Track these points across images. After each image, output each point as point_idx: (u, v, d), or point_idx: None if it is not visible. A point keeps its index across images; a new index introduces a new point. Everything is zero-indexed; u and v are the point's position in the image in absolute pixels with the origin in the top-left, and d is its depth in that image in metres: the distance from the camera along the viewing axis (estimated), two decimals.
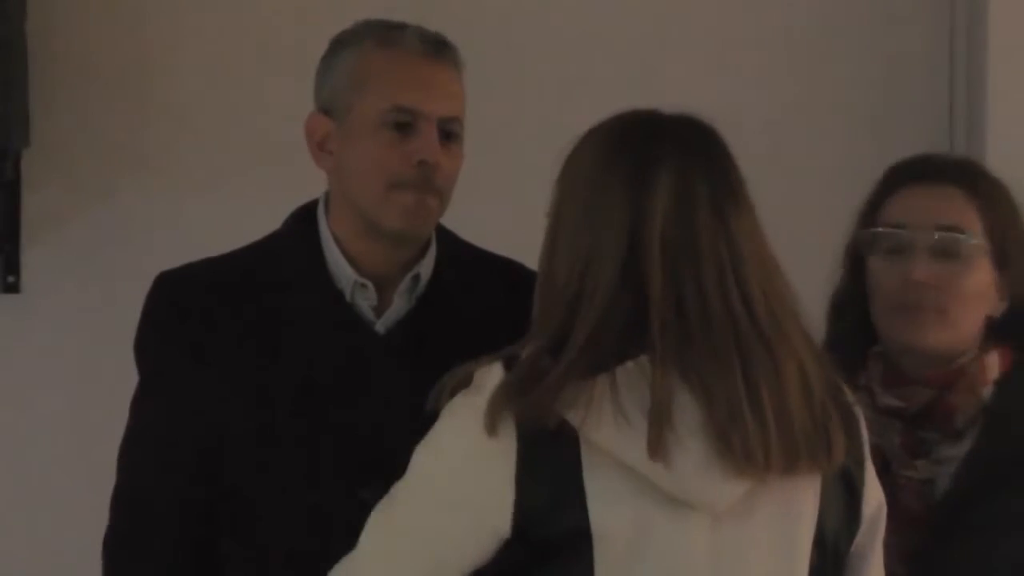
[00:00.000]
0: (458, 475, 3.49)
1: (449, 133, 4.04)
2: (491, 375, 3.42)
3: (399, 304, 4.05)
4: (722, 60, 6.38)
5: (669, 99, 4.31)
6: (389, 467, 3.70)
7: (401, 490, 3.55)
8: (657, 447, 3.34)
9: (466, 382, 3.47)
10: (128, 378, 4.20)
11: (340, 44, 4.17)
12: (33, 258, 6.05)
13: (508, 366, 3.42)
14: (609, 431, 3.36)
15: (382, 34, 4.13)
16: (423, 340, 4.05)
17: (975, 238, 4.14)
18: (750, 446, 3.40)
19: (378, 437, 3.97)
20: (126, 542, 4.19)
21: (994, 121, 6.20)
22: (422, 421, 3.61)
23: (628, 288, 3.45)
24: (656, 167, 3.51)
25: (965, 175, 4.30)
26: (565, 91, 5.94)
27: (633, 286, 3.45)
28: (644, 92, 4.92)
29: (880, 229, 4.24)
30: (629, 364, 3.39)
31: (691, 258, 3.48)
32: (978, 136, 6.22)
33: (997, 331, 4.38)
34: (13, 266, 6.03)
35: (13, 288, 6.03)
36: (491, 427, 3.38)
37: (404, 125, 3.99)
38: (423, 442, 3.57)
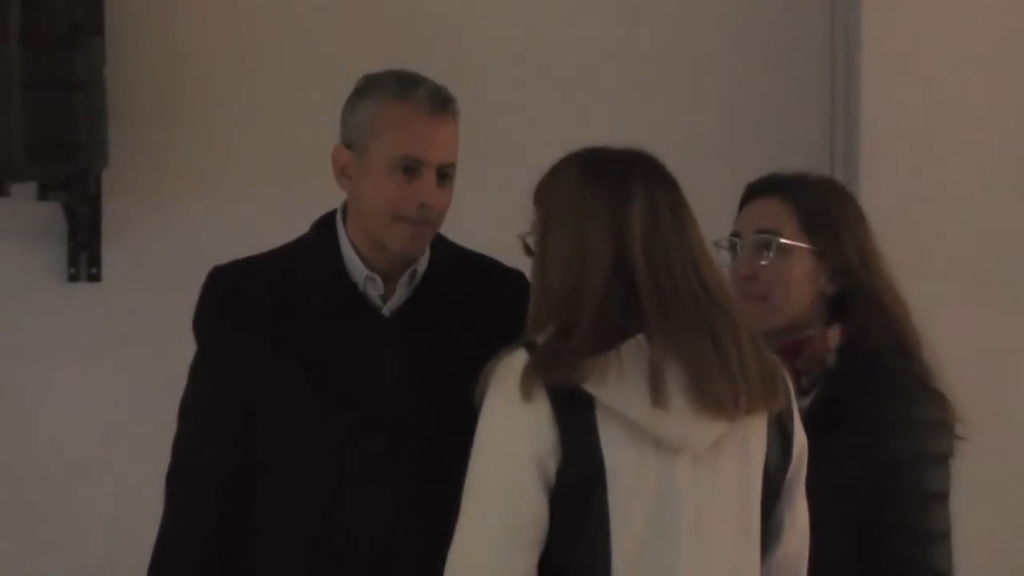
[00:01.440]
0: (516, 435, 3.73)
1: (445, 175, 4.25)
2: (516, 358, 3.68)
3: (400, 293, 4.26)
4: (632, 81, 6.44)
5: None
6: (394, 419, 4.22)
7: (474, 469, 3.79)
8: (657, 404, 3.67)
9: (494, 370, 3.74)
10: (190, 350, 4.43)
11: (364, 90, 4.35)
12: (110, 254, 6.21)
13: (529, 350, 3.71)
14: (617, 395, 3.69)
15: (398, 89, 4.29)
16: (419, 321, 4.29)
17: (787, 237, 4.39)
18: (721, 396, 3.72)
19: (385, 396, 4.20)
20: (181, 478, 4.41)
21: (866, 137, 6.23)
22: (420, 384, 4.17)
23: (619, 279, 3.75)
24: (631, 187, 3.84)
25: (790, 187, 4.51)
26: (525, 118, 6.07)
27: (623, 277, 3.75)
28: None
29: (720, 238, 4.49)
30: (631, 342, 3.70)
31: (662, 253, 3.80)
32: (853, 157, 6.27)
33: (839, 308, 4.55)
34: (95, 260, 6.21)
35: (95, 278, 6.24)
36: (527, 395, 3.66)
37: (410, 169, 4.20)
38: (478, 427, 3.79)
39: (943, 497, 4.43)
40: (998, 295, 5.92)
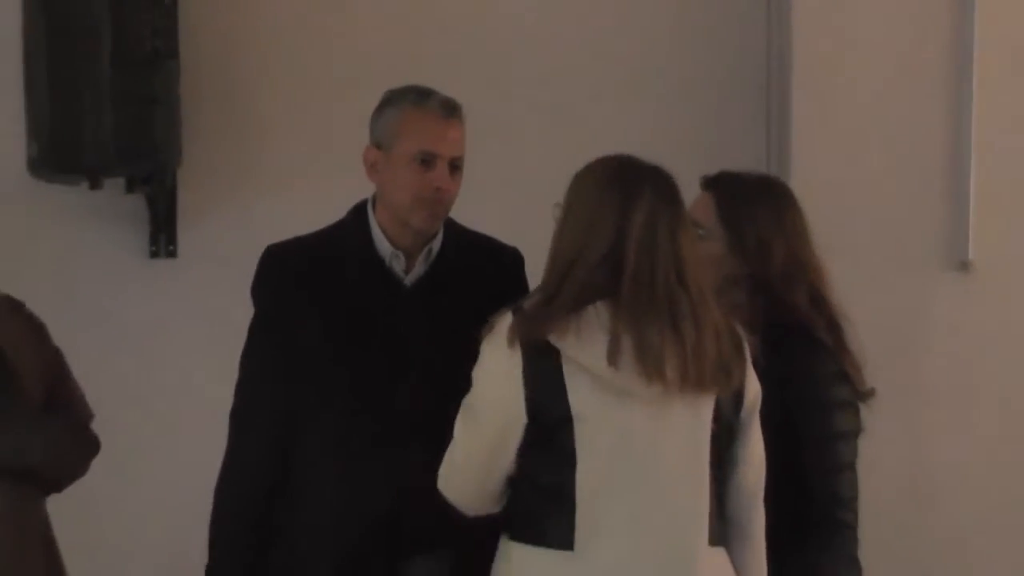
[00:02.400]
0: (496, 375, 3.88)
1: (455, 167, 4.34)
2: (504, 319, 3.84)
3: (419, 267, 4.36)
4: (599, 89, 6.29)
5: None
6: (415, 367, 4.28)
7: (471, 396, 3.95)
8: (613, 360, 3.76)
9: (491, 327, 3.88)
10: (250, 313, 4.52)
11: (388, 101, 4.43)
12: (184, 235, 6.23)
13: (515, 312, 3.84)
14: (577, 350, 3.80)
15: (415, 99, 4.40)
16: (435, 290, 4.38)
17: (705, 228, 4.39)
18: (661, 368, 3.80)
19: (407, 349, 4.28)
20: (240, 415, 4.50)
21: (797, 150, 6.07)
22: (440, 351, 4.21)
23: (607, 266, 3.85)
24: (638, 195, 3.91)
25: (719, 184, 4.54)
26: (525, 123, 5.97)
27: (611, 265, 3.85)
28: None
29: None
30: (590, 308, 3.80)
31: (652, 253, 3.88)
32: (785, 158, 6.17)
33: (763, 285, 4.52)
34: (172, 240, 6.24)
35: (172, 255, 6.24)
36: (511, 343, 3.81)
37: (427, 161, 4.29)
38: (475, 367, 3.95)
39: (850, 435, 4.45)
40: (905, 272, 5.88)
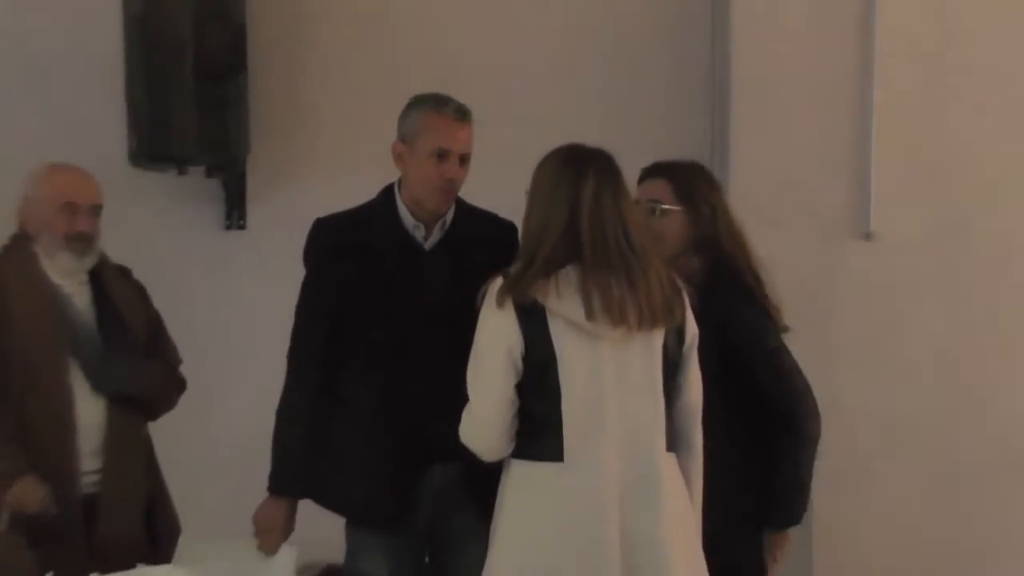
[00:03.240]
0: (495, 332, 3.95)
1: (463, 160, 4.40)
2: (496, 283, 3.92)
3: (435, 235, 4.45)
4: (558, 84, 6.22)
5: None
6: (432, 311, 4.33)
7: (475, 353, 3.99)
8: (588, 312, 3.89)
9: (486, 290, 3.95)
10: (303, 273, 4.53)
11: (413, 105, 4.48)
12: (252, 211, 6.26)
13: (504, 277, 3.93)
14: (559, 304, 3.92)
15: (434, 104, 4.45)
16: (447, 253, 4.45)
17: (667, 205, 4.40)
18: (624, 314, 3.91)
19: (426, 298, 4.34)
20: (295, 354, 4.54)
21: (736, 139, 5.98)
22: (452, 301, 4.24)
23: (568, 235, 3.94)
24: (585, 175, 3.99)
25: (668, 171, 4.50)
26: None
27: (571, 234, 3.94)
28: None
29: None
30: (564, 271, 3.91)
31: (601, 222, 3.95)
32: (726, 146, 6.03)
33: (706, 245, 4.51)
34: (242, 215, 6.28)
35: (242, 227, 6.27)
36: (501, 305, 3.90)
37: (442, 156, 4.35)
38: (477, 327, 3.99)
39: (784, 350, 4.45)
40: (820, 240, 5.77)
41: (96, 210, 4.75)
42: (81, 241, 4.70)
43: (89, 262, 4.73)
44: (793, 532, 4.74)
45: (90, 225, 4.73)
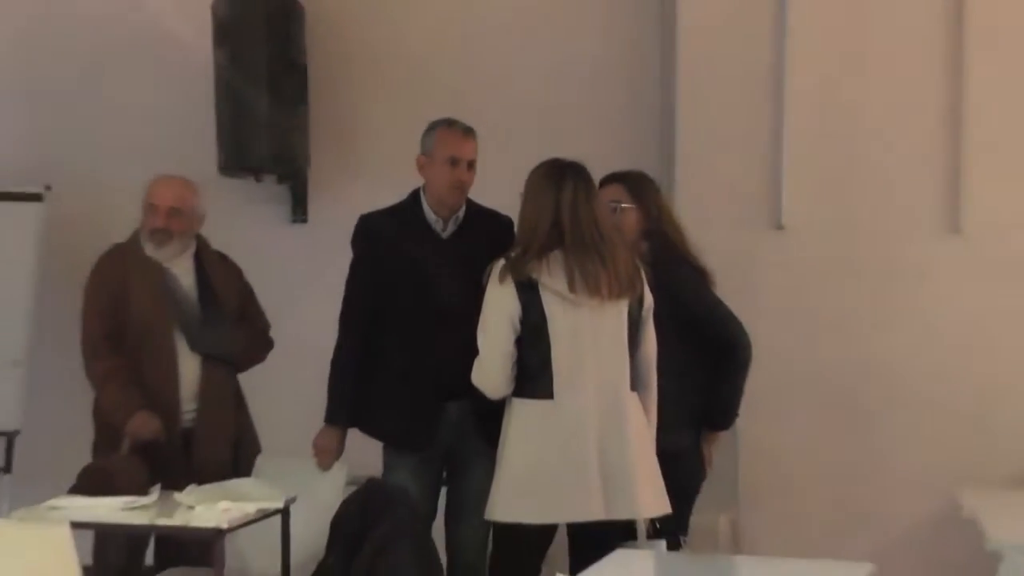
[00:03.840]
0: (499, 301, 3.97)
1: (470, 165, 4.38)
2: (499, 265, 3.98)
3: (450, 227, 4.41)
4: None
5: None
6: (448, 291, 4.28)
7: (483, 318, 4.01)
8: (572, 288, 3.92)
9: (491, 270, 3.99)
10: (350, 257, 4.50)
11: (430, 128, 4.45)
12: (313, 208, 6.09)
13: (505, 259, 3.98)
14: (550, 281, 3.94)
15: (447, 125, 4.42)
16: (460, 241, 4.40)
17: (624, 204, 4.33)
18: (599, 287, 3.95)
19: (444, 274, 4.29)
20: (344, 318, 4.48)
21: (680, 151, 5.72)
22: (463, 276, 4.20)
23: (555, 228, 3.97)
24: (564, 182, 4.02)
25: (622, 178, 4.44)
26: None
27: (556, 227, 3.97)
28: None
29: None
30: (551, 254, 3.95)
31: (578, 216, 3.98)
32: (672, 156, 5.73)
33: (661, 234, 4.46)
34: (304, 212, 6.11)
35: (304, 221, 6.10)
36: (503, 281, 3.95)
37: (454, 163, 4.33)
38: (484, 300, 4.02)
39: (719, 299, 4.43)
40: (742, 231, 5.52)
41: (174, 211, 4.70)
42: (159, 234, 4.69)
43: (170, 252, 4.72)
44: (723, 458, 4.82)
45: (166, 223, 4.69)
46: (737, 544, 5.13)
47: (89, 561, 3.95)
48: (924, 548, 5.18)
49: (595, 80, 5.91)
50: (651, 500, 4.04)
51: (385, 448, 4.50)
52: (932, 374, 5.56)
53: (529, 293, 3.98)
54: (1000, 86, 5.59)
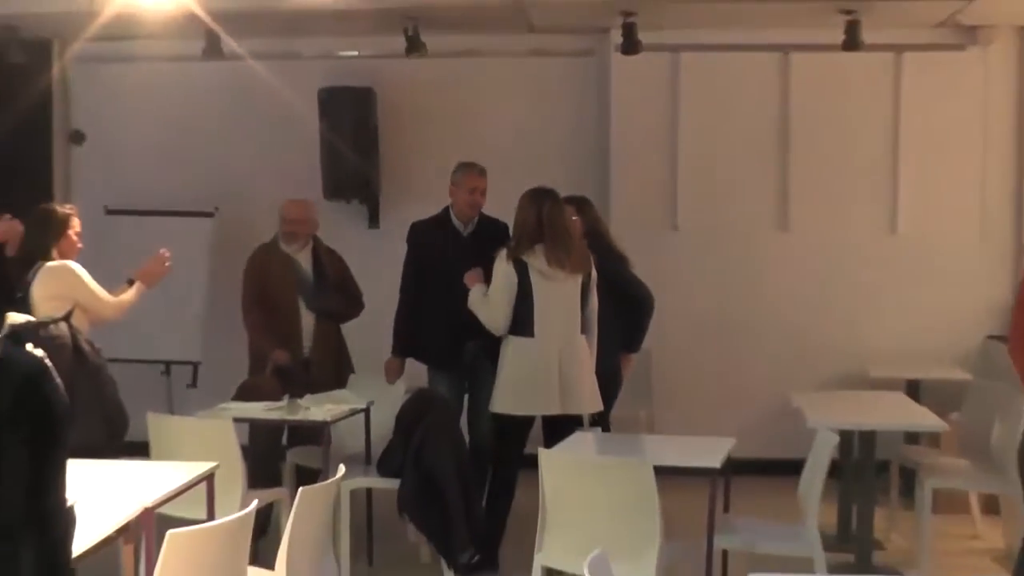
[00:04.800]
0: (502, 274, 3.91)
1: (482, 192, 4.34)
2: (502, 252, 3.94)
3: (469, 229, 4.37)
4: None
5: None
6: (466, 267, 4.12)
7: (493, 285, 3.94)
8: (548, 265, 3.87)
9: (496, 255, 3.95)
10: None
11: (457, 169, 4.40)
12: (384, 217, 5.85)
13: (507, 248, 3.95)
14: (534, 260, 3.89)
15: (467, 166, 4.37)
16: (475, 238, 4.33)
17: (575, 217, 4.18)
18: (564, 266, 3.91)
19: (464, 261, 4.15)
20: (402, 286, 4.43)
21: (613, 176, 5.64)
22: (476, 260, 4.11)
23: (538, 230, 3.91)
24: (544, 200, 3.98)
25: (574, 200, 4.32)
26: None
27: (538, 229, 3.91)
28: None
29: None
30: (536, 246, 3.91)
31: (553, 224, 3.93)
32: (606, 184, 5.60)
33: (599, 235, 4.43)
34: (377, 221, 5.93)
35: (377, 227, 5.93)
36: (506, 261, 3.91)
37: (471, 191, 4.31)
38: (493, 272, 3.93)
39: (636, 276, 4.42)
40: (647, 231, 5.50)
41: (298, 222, 4.67)
42: (289, 236, 4.67)
43: (296, 247, 4.66)
44: (642, 375, 4.97)
45: (293, 229, 4.66)
46: (651, 429, 5.15)
47: (246, 442, 3.94)
48: (768, 427, 5.24)
49: (557, 132, 5.87)
50: (590, 401, 4.07)
51: (428, 369, 4.51)
52: (773, 319, 5.69)
53: (521, 269, 3.96)
54: (813, 118, 5.60)
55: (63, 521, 0.98)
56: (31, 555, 0.93)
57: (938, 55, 5.45)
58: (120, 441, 3.66)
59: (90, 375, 3.56)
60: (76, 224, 3.87)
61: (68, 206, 4.00)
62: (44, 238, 3.78)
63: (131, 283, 3.99)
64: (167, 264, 4.11)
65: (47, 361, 0.99)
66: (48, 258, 3.76)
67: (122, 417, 3.70)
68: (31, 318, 1.15)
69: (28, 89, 5.52)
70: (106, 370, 3.71)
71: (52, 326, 3.46)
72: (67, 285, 3.74)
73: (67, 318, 3.56)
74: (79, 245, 3.89)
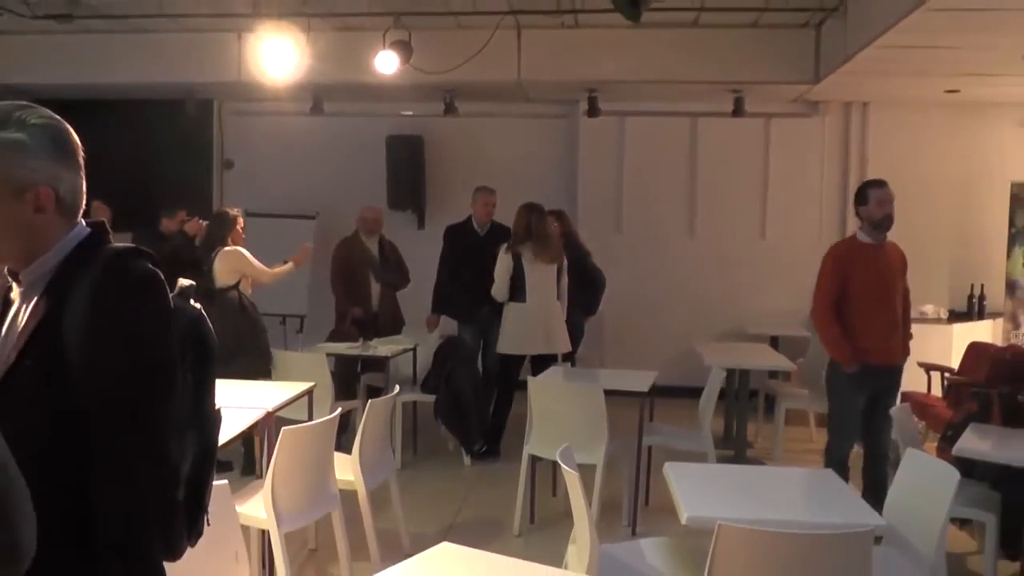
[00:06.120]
0: (504, 263, 3.78)
1: (494, 206, 4.22)
2: (503, 247, 3.80)
3: (484, 231, 4.25)
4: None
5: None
6: (481, 257, 4.01)
7: (497, 269, 3.79)
8: (534, 257, 3.74)
9: (500, 250, 3.82)
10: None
11: (477, 189, 4.26)
12: (428, 220, 5.60)
13: (507, 245, 3.82)
14: (525, 252, 3.78)
15: (484, 189, 4.25)
16: (488, 236, 4.18)
17: (555, 224, 3.99)
18: (545, 258, 3.78)
19: (482, 256, 4.02)
20: (439, 271, 4.28)
21: (580, 196, 5.48)
22: (489, 253, 3.95)
23: (528, 232, 3.77)
24: (533, 212, 3.83)
25: (555, 212, 4.16)
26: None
27: (527, 231, 3.77)
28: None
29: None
30: (526, 243, 3.77)
31: (540, 228, 3.80)
32: (575, 200, 5.42)
33: (572, 237, 4.24)
34: (423, 224, 5.65)
35: (423, 228, 5.64)
36: (506, 253, 3.79)
37: (485, 205, 4.20)
38: (497, 261, 3.77)
39: (595, 266, 4.28)
40: (601, 233, 5.30)
41: (372, 221, 4.45)
42: (365, 231, 4.46)
43: (371, 240, 4.48)
44: (598, 329, 4.82)
45: (372, 227, 4.46)
46: (603, 365, 4.82)
47: (334, 369, 3.82)
48: (680, 365, 5.01)
49: (543, 167, 5.68)
50: (563, 345, 3.97)
51: (459, 323, 4.38)
52: (683, 294, 5.59)
53: (516, 259, 3.84)
54: (713, 161, 5.48)
55: (213, 420, 0.96)
56: (191, 444, 0.92)
57: (793, 120, 5.49)
58: (269, 364, 3.61)
59: (252, 323, 3.58)
60: (241, 222, 3.80)
61: (236, 209, 3.89)
62: (221, 231, 3.72)
63: (285, 263, 3.88)
64: (309, 253, 4.03)
65: (203, 312, 0.97)
66: (224, 244, 3.69)
67: (269, 351, 3.68)
68: (193, 283, 1.10)
69: (198, 132, 5.74)
70: (261, 321, 3.68)
71: (228, 292, 3.52)
72: (237, 262, 3.67)
73: (236, 286, 3.59)
74: (243, 236, 3.81)
